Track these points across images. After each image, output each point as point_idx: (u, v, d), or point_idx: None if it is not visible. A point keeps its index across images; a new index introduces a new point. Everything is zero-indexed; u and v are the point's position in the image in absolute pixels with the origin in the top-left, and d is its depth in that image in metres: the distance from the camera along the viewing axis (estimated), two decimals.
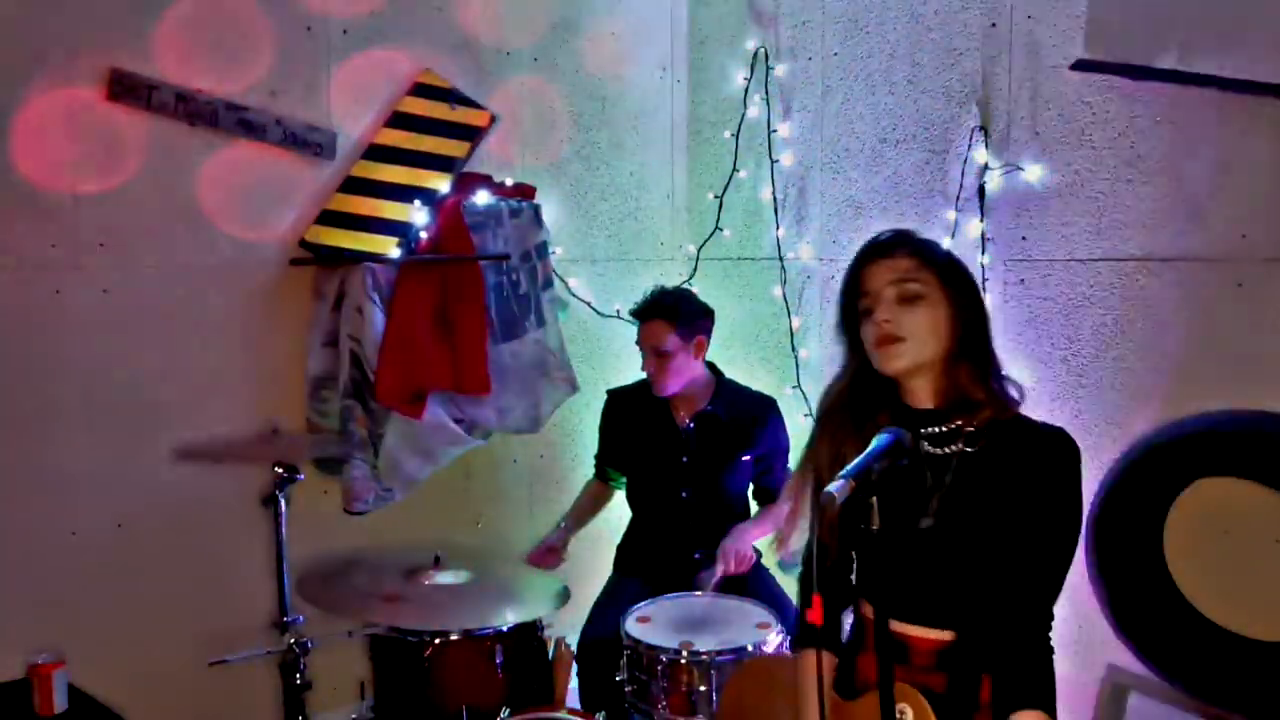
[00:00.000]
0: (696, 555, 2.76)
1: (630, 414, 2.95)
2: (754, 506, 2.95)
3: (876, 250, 1.72)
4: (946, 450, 1.65)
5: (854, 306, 1.71)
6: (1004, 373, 1.69)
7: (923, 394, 1.67)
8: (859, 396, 1.72)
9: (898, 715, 1.51)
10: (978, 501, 1.60)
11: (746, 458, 2.84)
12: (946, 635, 1.63)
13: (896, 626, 1.65)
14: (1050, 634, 1.60)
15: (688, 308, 2.84)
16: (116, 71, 2.49)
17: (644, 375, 2.88)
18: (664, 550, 2.82)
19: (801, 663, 1.72)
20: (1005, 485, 1.59)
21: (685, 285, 3.41)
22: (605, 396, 3.04)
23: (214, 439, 2.56)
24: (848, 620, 1.80)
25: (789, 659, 1.84)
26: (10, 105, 2.38)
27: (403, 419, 2.80)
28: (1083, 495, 1.63)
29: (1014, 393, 1.67)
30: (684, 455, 2.84)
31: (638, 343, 2.84)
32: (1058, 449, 1.61)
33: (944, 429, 1.65)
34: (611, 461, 3.03)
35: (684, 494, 2.83)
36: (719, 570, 2.58)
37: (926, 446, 1.66)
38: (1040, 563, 1.59)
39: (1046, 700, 1.54)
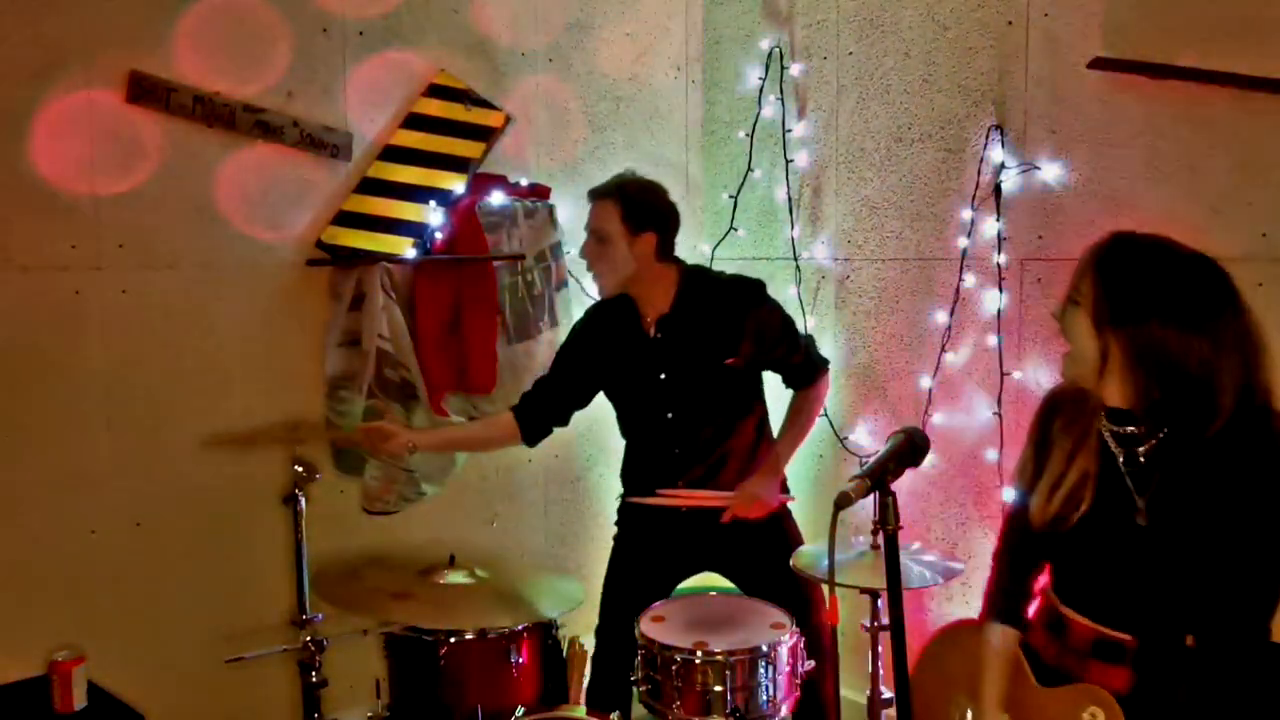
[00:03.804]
0: (679, 484, 2.57)
1: (602, 329, 2.64)
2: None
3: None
4: (1136, 450, 1.61)
5: None
6: (1221, 387, 1.52)
7: (1111, 393, 1.61)
8: (1078, 392, 1.70)
9: (1089, 718, 1.54)
10: (1172, 509, 1.56)
11: (731, 361, 2.52)
12: (1110, 631, 1.62)
13: (1063, 608, 1.69)
14: (1261, 658, 1.56)
15: (643, 196, 2.54)
16: (135, 74, 2.51)
17: None
18: (658, 477, 2.59)
19: (986, 634, 1.74)
20: (1208, 499, 1.54)
21: None
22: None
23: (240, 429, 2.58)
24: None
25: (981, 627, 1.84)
26: (31, 107, 2.40)
27: (431, 416, 2.85)
28: None
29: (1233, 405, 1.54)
30: (661, 371, 2.54)
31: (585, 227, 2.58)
32: (1266, 457, 1.53)
33: (1128, 430, 1.61)
34: (568, 390, 2.65)
35: (669, 415, 2.56)
36: (729, 512, 2.46)
37: (1114, 445, 1.63)
38: (1246, 579, 1.52)
39: None
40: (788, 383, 2.68)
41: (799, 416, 2.65)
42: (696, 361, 2.53)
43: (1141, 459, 1.59)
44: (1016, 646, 1.75)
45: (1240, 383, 1.51)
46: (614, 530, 2.79)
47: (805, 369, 2.65)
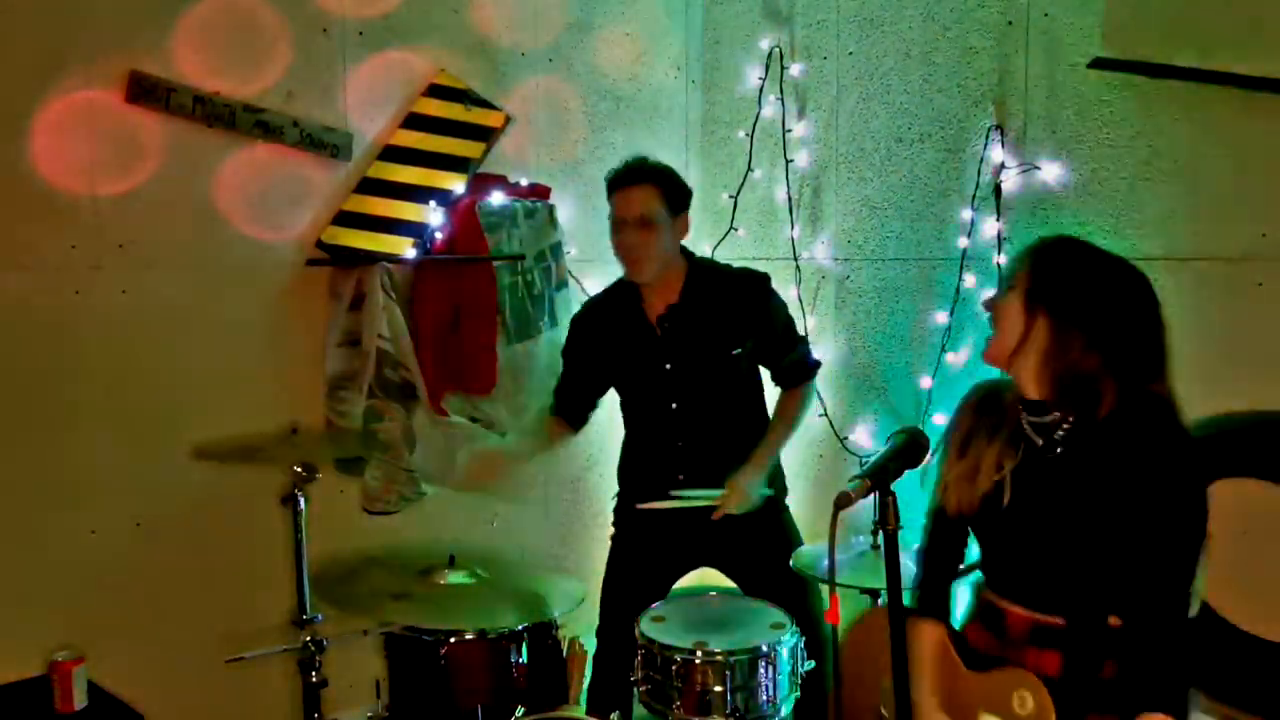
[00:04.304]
0: (680, 478, 2.56)
1: (604, 321, 2.66)
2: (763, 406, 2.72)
3: None
4: (1050, 438, 1.65)
5: None
6: (1149, 379, 1.60)
7: (1027, 381, 1.65)
8: (996, 387, 1.76)
9: (1017, 702, 1.55)
10: (1086, 491, 1.60)
11: (737, 352, 2.54)
12: (1044, 618, 1.64)
13: (998, 600, 1.71)
14: (1183, 633, 1.58)
15: (678, 179, 2.56)
16: (135, 74, 2.51)
17: (613, 280, 2.66)
18: (660, 468, 2.60)
19: (913, 631, 1.75)
20: (1115, 479, 1.57)
21: None
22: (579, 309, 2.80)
23: (235, 438, 2.58)
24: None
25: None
26: (31, 107, 2.40)
27: (431, 416, 2.86)
28: (1205, 495, 1.57)
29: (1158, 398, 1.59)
30: (666, 361, 2.55)
31: (612, 217, 2.55)
32: (1170, 453, 1.56)
33: (1045, 419, 1.65)
34: (586, 386, 2.71)
35: (673, 405, 2.57)
36: (720, 509, 2.42)
37: (1033, 434, 1.66)
38: (1159, 557, 1.56)
39: (1176, 702, 1.52)
40: (778, 380, 2.68)
41: (787, 415, 2.64)
42: (703, 352, 2.55)
43: (1057, 448, 1.64)
44: (943, 639, 1.77)
45: (1121, 389, 1.58)
46: (611, 531, 2.79)
47: (798, 368, 2.66)
